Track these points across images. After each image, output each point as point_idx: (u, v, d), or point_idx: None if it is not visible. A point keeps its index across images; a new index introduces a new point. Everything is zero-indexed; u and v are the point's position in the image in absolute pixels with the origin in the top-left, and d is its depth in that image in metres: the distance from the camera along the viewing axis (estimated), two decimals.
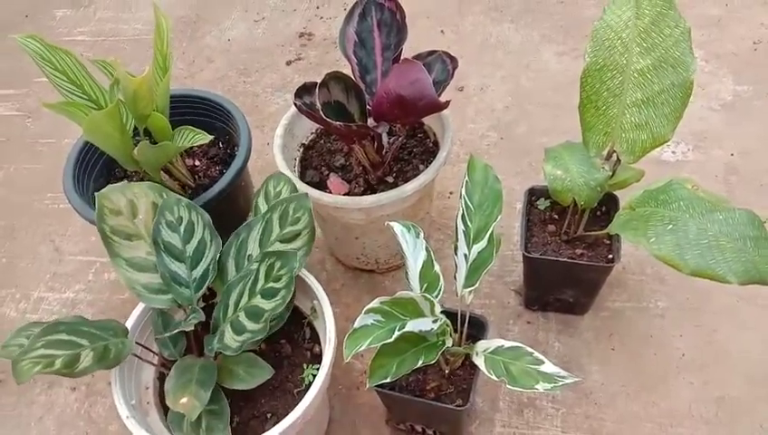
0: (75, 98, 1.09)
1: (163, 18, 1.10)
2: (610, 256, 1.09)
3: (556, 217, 1.15)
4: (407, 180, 1.15)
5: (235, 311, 0.88)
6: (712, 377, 1.13)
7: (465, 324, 0.96)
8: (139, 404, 0.96)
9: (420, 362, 0.84)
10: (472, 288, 0.91)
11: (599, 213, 1.15)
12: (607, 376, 1.15)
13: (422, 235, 0.94)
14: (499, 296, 1.28)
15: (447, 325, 0.87)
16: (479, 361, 0.86)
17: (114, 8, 2.11)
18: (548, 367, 0.82)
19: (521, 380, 0.81)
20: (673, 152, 1.46)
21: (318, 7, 2.00)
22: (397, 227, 0.94)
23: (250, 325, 0.86)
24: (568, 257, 1.09)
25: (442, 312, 0.88)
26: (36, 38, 1.06)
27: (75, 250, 1.48)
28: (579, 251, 1.10)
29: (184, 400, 0.84)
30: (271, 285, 0.86)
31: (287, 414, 0.86)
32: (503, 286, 1.29)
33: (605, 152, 1.01)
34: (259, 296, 0.86)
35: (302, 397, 0.88)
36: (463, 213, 0.93)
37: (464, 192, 0.93)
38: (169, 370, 0.91)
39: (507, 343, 0.87)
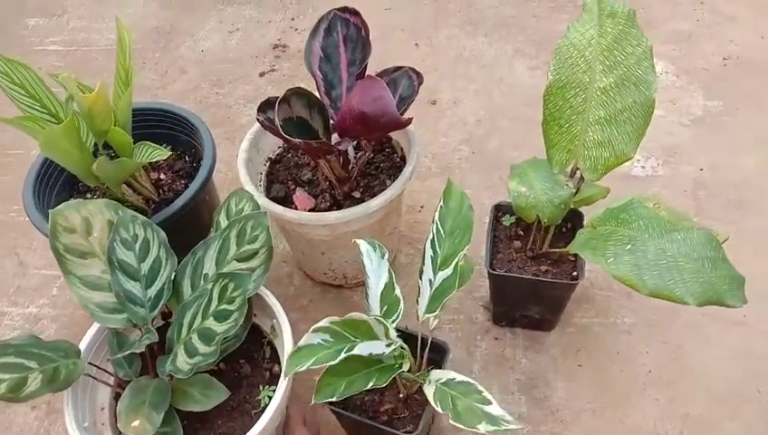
0: (34, 112, 1.07)
1: (126, 32, 1.08)
2: (575, 274, 1.08)
3: (521, 233, 1.15)
4: (373, 196, 1.14)
5: (189, 332, 0.86)
6: (677, 394, 1.13)
7: (427, 349, 0.93)
8: (93, 426, 0.93)
9: (371, 384, 0.81)
10: (433, 314, 0.89)
11: (564, 229, 1.14)
12: (573, 393, 1.14)
13: (386, 256, 0.93)
14: (468, 312, 1.27)
15: (404, 349, 0.86)
16: (429, 390, 0.83)
17: (87, 18, 2.09)
18: (494, 409, 0.79)
19: (465, 416, 0.78)
20: (642, 167, 1.47)
21: (293, 19, 1.99)
22: (363, 246, 0.93)
23: (202, 348, 0.84)
24: (532, 274, 1.08)
25: (402, 334, 0.86)
26: None
27: (40, 264, 1.46)
28: (543, 268, 1.09)
29: (136, 423, 0.82)
30: (224, 307, 0.84)
31: None
32: (471, 302, 1.28)
33: (569, 169, 1.00)
34: (212, 318, 0.84)
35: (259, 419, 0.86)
36: (433, 238, 0.91)
37: (437, 217, 0.92)
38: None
39: (459, 377, 0.84)
